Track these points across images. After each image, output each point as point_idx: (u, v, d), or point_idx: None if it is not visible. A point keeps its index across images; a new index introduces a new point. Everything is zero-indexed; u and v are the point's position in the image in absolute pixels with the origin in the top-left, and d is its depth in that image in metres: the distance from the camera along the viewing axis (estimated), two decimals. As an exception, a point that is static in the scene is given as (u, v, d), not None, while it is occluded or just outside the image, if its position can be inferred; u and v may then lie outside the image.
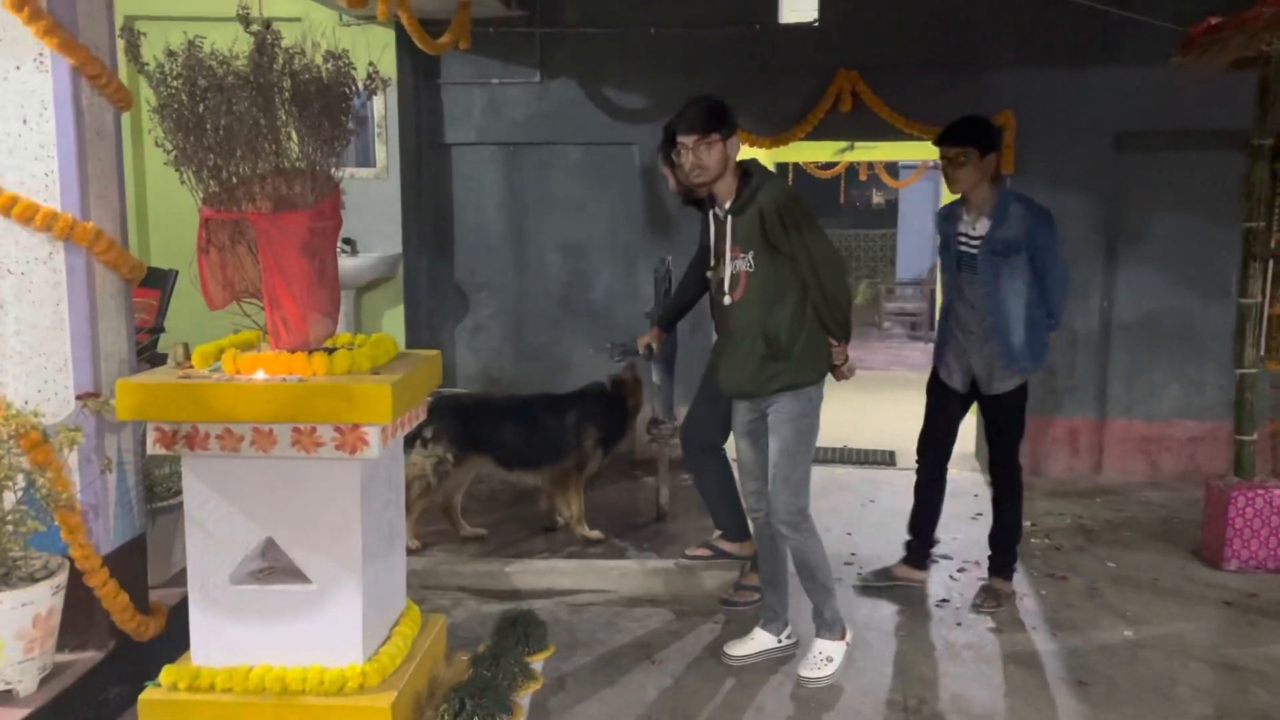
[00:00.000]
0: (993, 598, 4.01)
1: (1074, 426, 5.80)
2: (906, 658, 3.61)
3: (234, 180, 2.61)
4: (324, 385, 2.54)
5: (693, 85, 5.32)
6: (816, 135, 5.78)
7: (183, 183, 2.63)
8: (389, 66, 5.38)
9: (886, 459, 6.15)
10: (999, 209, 3.79)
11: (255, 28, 2.59)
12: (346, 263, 5.26)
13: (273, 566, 2.80)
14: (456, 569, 4.24)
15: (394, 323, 5.76)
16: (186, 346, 2.73)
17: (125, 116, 3.04)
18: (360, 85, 2.73)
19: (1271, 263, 4.42)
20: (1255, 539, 4.34)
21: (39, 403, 2.76)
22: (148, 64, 2.57)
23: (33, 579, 2.63)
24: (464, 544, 4.51)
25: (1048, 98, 5.54)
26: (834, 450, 6.24)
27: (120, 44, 2.73)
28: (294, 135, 2.63)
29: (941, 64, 5.57)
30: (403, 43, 5.30)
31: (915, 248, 14.09)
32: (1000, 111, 5.51)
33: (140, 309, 3.87)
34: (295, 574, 2.71)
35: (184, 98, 2.55)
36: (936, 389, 4.08)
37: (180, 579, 3.03)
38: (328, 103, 2.64)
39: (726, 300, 3.39)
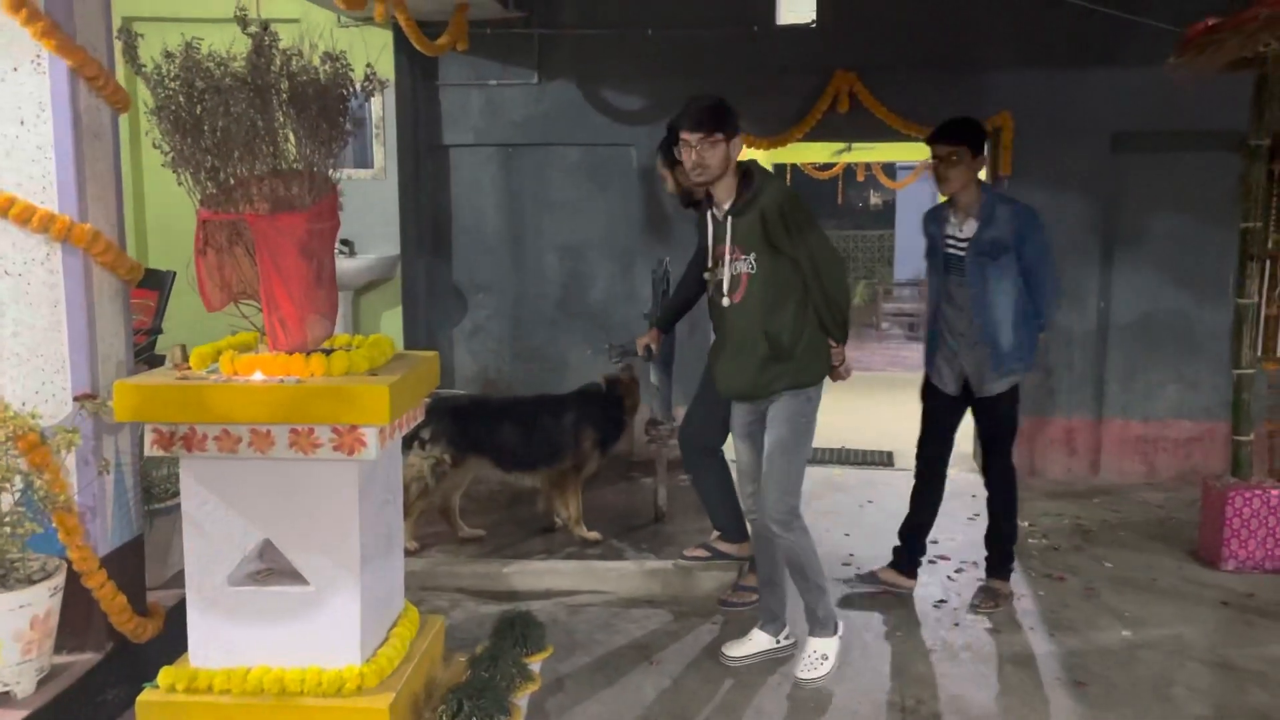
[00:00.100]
0: (990, 598, 4.01)
1: (1071, 427, 5.81)
2: (904, 658, 3.61)
3: (231, 181, 2.61)
4: (322, 387, 2.54)
5: (690, 86, 5.31)
6: (814, 136, 5.79)
7: (180, 184, 2.63)
8: (387, 68, 5.38)
9: (884, 460, 6.15)
10: (986, 210, 3.79)
11: (253, 29, 2.59)
12: (344, 264, 5.27)
13: (270, 568, 2.79)
14: (454, 570, 4.24)
15: (392, 324, 5.76)
16: (184, 348, 2.73)
17: (123, 118, 3.04)
18: (358, 87, 2.73)
19: (1268, 263, 4.43)
20: (1252, 539, 4.35)
21: (36, 404, 2.76)
22: (145, 65, 2.57)
23: (30, 581, 2.63)
24: (462, 545, 4.51)
25: (1045, 99, 5.55)
26: (832, 451, 6.24)
27: (118, 45, 2.73)
28: (291, 136, 2.63)
29: (939, 65, 5.57)
30: (400, 44, 5.31)
31: (913, 248, 14.08)
32: (998, 112, 5.53)
33: (138, 310, 3.87)
34: (293, 575, 2.71)
35: (181, 99, 2.56)
36: (930, 394, 4.06)
37: (178, 580, 3.03)
38: (325, 104, 2.64)
39: (726, 302, 3.38)
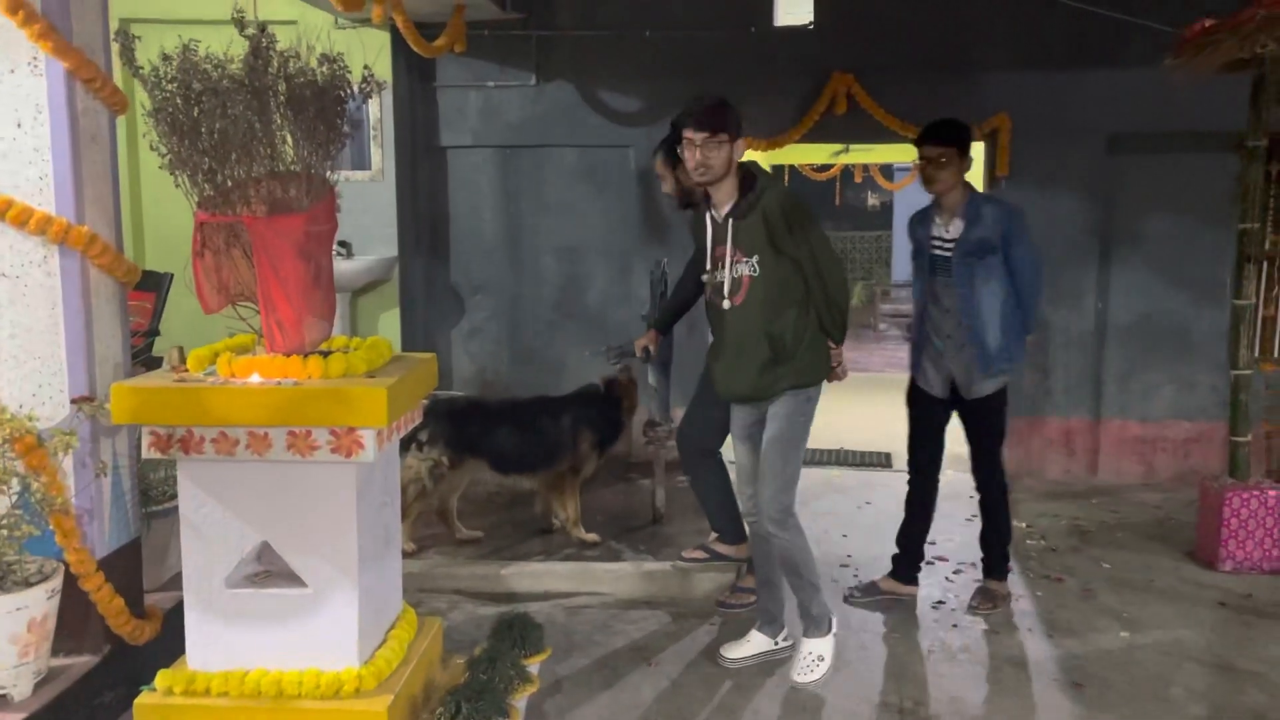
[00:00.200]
0: (988, 599, 4.01)
1: (1069, 428, 5.82)
2: (902, 659, 3.61)
3: (229, 184, 2.61)
4: (319, 389, 2.54)
5: (688, 88, 5.33)
6: (812, 137, 5.79)
7: (178, 186, 2.62)
8: (384, 69, 5.38)
9: (882, 461, 6.16)
10: (972, 210, 3.79)
11: (250, 31, 2.58)
12: (342, 266, 5.27)
13: (268, 570, 2.79)
14: (452, 572, 4.24)
15: (389, 326, 5.75)
16: (181, 350, 2.73)
17: (120, 120, 3.04)
18: (355, 88, 2.73)
19: (1266, 264, 4.44)
20: (1250, 540, 4.35)
21: (34, 407, 2.76)
22: (142, 67, 2.57)
23: (27, 583, 2.63)
24: (460, 547, 4.51)
25: (1042, 100, 5.56)
26: (829, 452, 6.25)
27: (115, 47, 2.72)
28: (289, 138, 2.63)
29: (936, 67, 5.58)
30: (398, 46, 5.31)
31: (910, 250, 14.09)
32: (995, 114, 5.54)
33: (135, 312, 3.86)
34: (291, 578, 2.71)
35: (179, 101, 2.55)
36: (917, 398, 4.05)
37: (175, 583, 3.03)
38: (323, 106, 2.64)
39: (727, 305, 3.36)
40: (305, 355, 2.63)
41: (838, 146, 10.26)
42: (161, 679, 2.67)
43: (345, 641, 2.69)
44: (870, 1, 5.57)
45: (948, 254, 3.82)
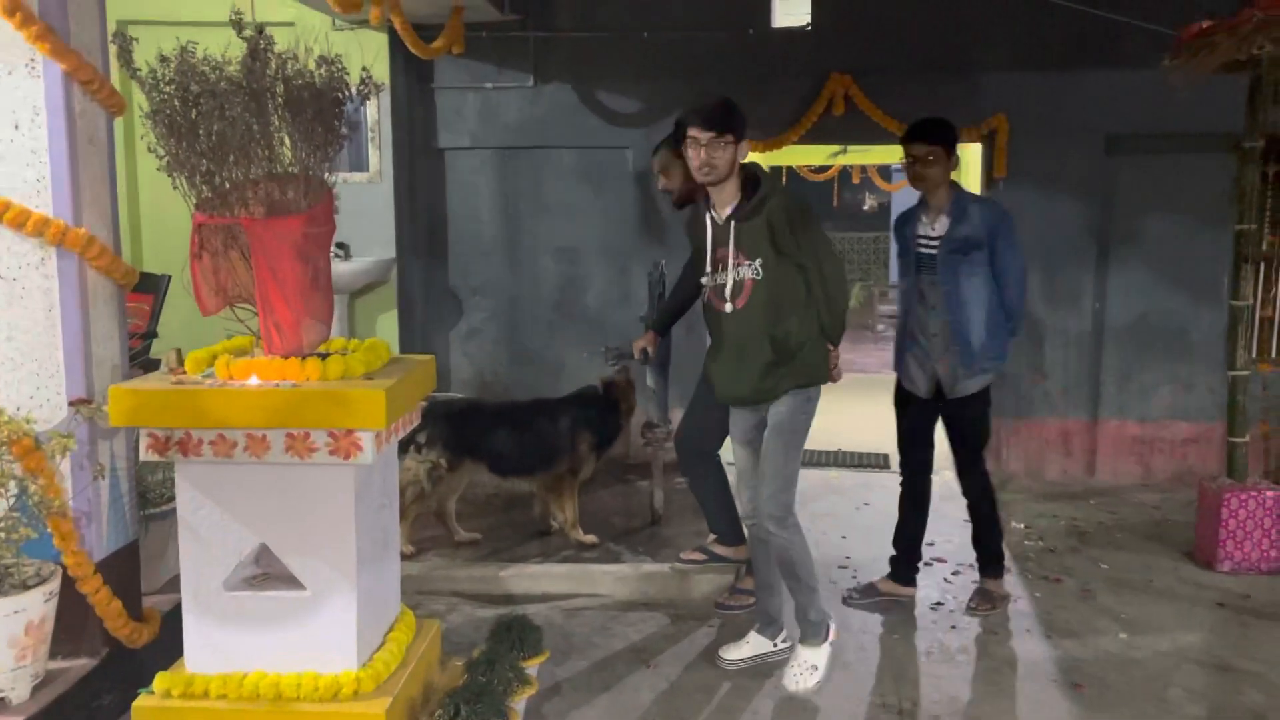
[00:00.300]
0: (986, 600, 4.02)
1: (1067, 428, 5.82)
2: (900, 660, 3.61)
3: (227, 185, 2.61)
4: (318, 391, 2.54)
5: (686, 89, 5.37)
6: (809, 139, 5.79)
7: (175, 188, 2.62)
8: (382, 71, 5.38)
9: (880, 462, 6.15)
10: (957, 208, 3.80)
11: (248, 33, 2.58)
12: (340, 267, 5.25)
13: (266, 573, 2.79)
14: (451, 574, 4.23)
15: (388, 327, 5.75)
16: (179, 352, 2.73)
17: (118, 122, 3.04)
18: (353, 90, 2.73)
19: (1263, 265, 4.44)
20: (1248, 540, 4.35)
21: (31, 409, 2.76)
22: (140, 69, 2.56)
23: (25, 586, 2.63)
24: (458, 549, 4.51)
25: (1040, 101, 5.56)
26: (828, 453, 6.25)
27: (112, 49, 2.72)
28: (287, 140, 2.63)
29: (934, 68, 5.59)
30: (396, 47, 5.30)
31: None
32: (993, 115, 5.55)
33: (133, 314, 3.86)
34: (289, 580, 2.70)
35: (177, 103, 2.55)
36: (903, 400, 4.05)
37: (173, 585, 3.02)
38: (321, 108, 2.64)
39: (728, 308, 3.34)
40: (303, 357, 2.63)
41: (835, 148, 10.25)
42: (160, 681, 2.67)
43: (344, 644, 2.69)
44: (868, 3, 5.58)
45: (933, 252, 3.83)
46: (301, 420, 2.53)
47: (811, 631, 3.45)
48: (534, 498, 4.69)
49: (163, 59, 2.56)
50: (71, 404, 2.79)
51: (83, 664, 2.86)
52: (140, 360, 3.93)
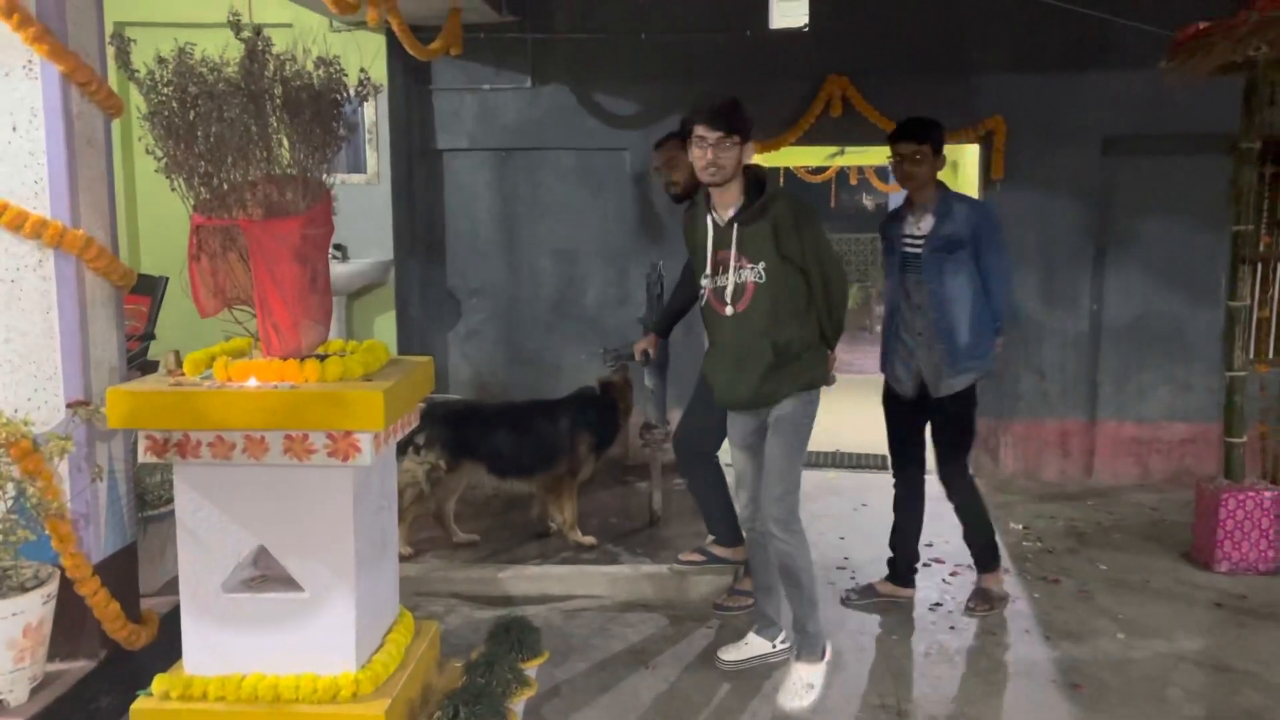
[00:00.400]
0: (985, 601, 4.02)
1: (1064, 429, 5.82)
2: (899, 661, 3.62)
3: (225, 187, 2.60)
4: (316, 392, 2.54)
5: (684, 90, 5.36)
6: (807, 140, 5.80)
7: (173, 190, 2.62)
8: (380, 72, 5.38)
9: (879, 463, 6.14)
10: (943, 206, 3.81)
11: (246, 34, 2.58)
12: (338, 269, 5.25)
13: (265, 574, 2.79)
14: (449, 575, 4.23)
15: (386, 329, 5.75)
16: (178, 354, 2.72)
17: (116, 123, 3.04)
18: (351, 91, 2.73)
19: (1260, 266, 4.45)
20: (1246, 541, 4.36)
21: (29, 411, 2.75)
22: (138, 71, 2.56)
23: (23, 588, 2.62)
24: (457, 550, 4.51)
25: (1037, 102, 5.57)
26: (826, 454, 6.25)
27: (110, 50, 2.72)
28: (285, 142, 2.63)
29: (931, 69, 5.59)
30: (394, 49, 5.30)
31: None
32: (990, 116, 5.56)
33: (131, 316, 3.86)
34: (288, 582, 2.70)
35: (175, 105, 2.55)
36: (891, 402, 4.05)
37: (172, 587, 3.02)
38: (319, 109, 2.64)
39: (729, 311, 3.30)
40: (302, 359, 2.63)
41: (833, 149, 10.25)
42: (158, 684, 2.66)
43: (342, 646, 2.69)
44: (865, 4, 5.59)
45: (918, 250, 3.84)
46: (300, 422, 2.52)
47: (808, 646, 3.37)
48: (532, 499, 4.69)
49: (161, 60, 2.55)
50: (69, 406, 2.79)
51: (81, 666, 2.85)
52: (138, 362, 3.93)
